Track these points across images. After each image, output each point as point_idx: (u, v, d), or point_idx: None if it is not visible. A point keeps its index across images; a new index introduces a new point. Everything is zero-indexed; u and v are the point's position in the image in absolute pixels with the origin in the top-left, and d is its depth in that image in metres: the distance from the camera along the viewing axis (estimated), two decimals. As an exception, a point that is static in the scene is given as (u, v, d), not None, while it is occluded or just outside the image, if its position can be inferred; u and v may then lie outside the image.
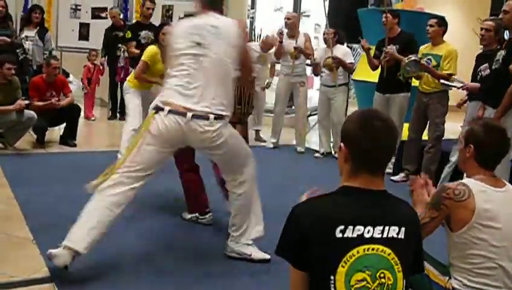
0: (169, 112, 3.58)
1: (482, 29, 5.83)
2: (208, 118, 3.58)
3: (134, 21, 10.21)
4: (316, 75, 8.31)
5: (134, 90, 6.46)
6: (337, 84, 7.76)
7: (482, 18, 6.30)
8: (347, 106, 8.20)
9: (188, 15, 9.89)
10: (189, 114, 3.56)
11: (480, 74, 5.84)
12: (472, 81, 6.00)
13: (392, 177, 6.81)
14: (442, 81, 6.21)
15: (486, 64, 5.72)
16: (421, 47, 6.67)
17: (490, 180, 2.67)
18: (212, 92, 3.62)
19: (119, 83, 9.70)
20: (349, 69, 7.81)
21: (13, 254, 3.89)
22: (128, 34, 8.31)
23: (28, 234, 4.24)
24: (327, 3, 10.96)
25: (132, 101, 6.45)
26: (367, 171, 2.03)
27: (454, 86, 6.15)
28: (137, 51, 8.00)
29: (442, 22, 6.52)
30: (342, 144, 2.09)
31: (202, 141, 3.67)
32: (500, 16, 5.20)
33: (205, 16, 3.81)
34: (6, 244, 4.05)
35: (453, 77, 6.21)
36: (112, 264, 3.83)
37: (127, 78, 6.78)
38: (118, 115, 10.02)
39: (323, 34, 7.94)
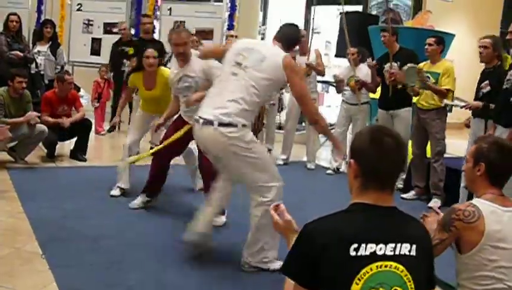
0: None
1: (479, 47, 5.85)
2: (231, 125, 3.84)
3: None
4: (339, 92, 8.28)
5: (143, 112, 6.22)
6: (360, 102, 7.73)
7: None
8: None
9: (199, 31, 10.02)
10: (216, 122, 3.83)
11: (481, 91, 5.84)
12: (475, 97, 6.00)
13: (403, 195, 6.78)
14: (445, 101, 6.27)
15: (487, 82, 5.75)
16: (419, 65, 6.69)
17: (499, 199, 2.66)
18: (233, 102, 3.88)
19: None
20: (371, 89, 7.76)
21: (22, 269, 3.88)
22: (131, 50, 8.15)
23: (37, 249, 4.24)
24: (338, 20, 11.06)
25: (137, 120, 6.31)
26: (377, 187, 2.05)
27: (457, 105, 6.17)
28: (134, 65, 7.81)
29: (440, 40, 6.59)
30: (352, 160, 2.11)
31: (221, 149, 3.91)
32: (508, 37, 5.21)
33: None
34: (15, 259, 4.05)
35: (455, 96, 6.23)
36: (126, 269, 3.83)
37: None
38: (119, 127, 10.06)
39: (347, 54, 7.90)
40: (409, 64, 6.48)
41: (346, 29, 7.41)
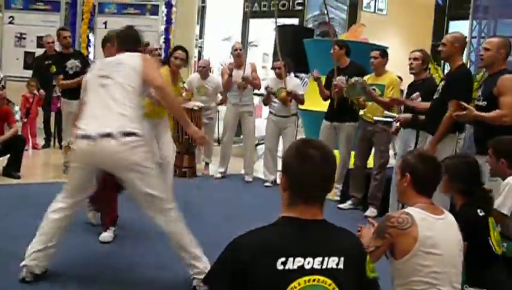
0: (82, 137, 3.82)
1: (409, 59, 6.03)
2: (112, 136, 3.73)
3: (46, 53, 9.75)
4: (266, 104, 8.29)
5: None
6: (290, 114, 7.81)
7: (423, 48, 6.47)
8: (296, 135, 8.24)
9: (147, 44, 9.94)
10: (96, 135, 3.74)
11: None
12: (405, 108, 6.16)
13: (340, 205, 6.86)
14: (375, 118, 6.38)
15: (418, 93, 5.96)
16: (364, 78, 6.79)
17: (430, 208, 2.75)
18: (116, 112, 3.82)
19: (54, 112, 9.69)
20: (301, 101, 7.82)
21: None
22: (53, 69, 7.83)
23: (-35, 271, 4.08)
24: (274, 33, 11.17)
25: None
26: (304, 200, 2.07)
27: (388, 120, 6.28)
28: (68, 82, 7.64)
29: (384, 53, 6.69)
30: (282, 173, 2.14)
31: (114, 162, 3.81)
32: (440, 48, 5.37)
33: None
34: None
35: (385, 111, 6.33)
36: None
37: None
38: (54, 143, 9.92)
39: (273, 67, 7.94)
40: (354, 78, 6.49)
41: (277, 43, 7.49)
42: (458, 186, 3.40)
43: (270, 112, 8.11)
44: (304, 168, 2.05)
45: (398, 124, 6.21)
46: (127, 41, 4.31)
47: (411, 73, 6.08)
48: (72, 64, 7.69)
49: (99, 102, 3.88)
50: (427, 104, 5.61)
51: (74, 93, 7.71)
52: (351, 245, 2.12)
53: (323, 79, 7.26)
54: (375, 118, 6.38)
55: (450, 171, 3.38)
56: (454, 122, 5.01)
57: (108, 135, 3.69)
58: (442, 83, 5.37)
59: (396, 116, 6.18)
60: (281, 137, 8.10)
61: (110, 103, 3.82)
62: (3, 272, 4.09)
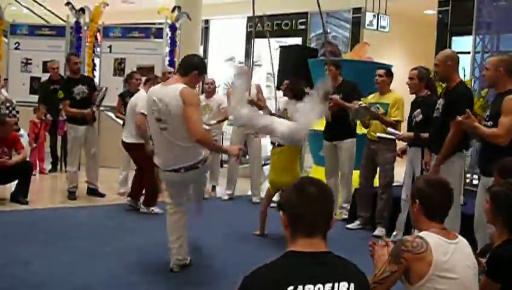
0: None
1: (408, 78, 6.06)
2: None
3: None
4: None
5: None
6: None
7: (423, 65, 6.48)
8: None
9: (140, 68, 10.00)
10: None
11: (414, 119, 6.03)
12: (408, 126, 6.17)
13: (348, 225, 6.84)
14: (378, 134, 6.39)
15: (419, 110, 5.96)
16: (368, 97, 6.86)
17: (442, 232, 2.75)
18: None
19: (61, 136, 9.68)
20: None
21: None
22: (60, 94, 7.80)
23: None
24: (278, 53, 11.21)
25: None
26: (304, 235, 2.10)
27: (391, 137, 6.27)
28: (74, 111, 7.69)
29: (389, 72, 6.73)
30: (281, 212, 2.18)
31: None
32: (434, 70, 5.37)
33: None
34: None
35: (388, 129, 6.32)
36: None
37: None
38: (61, 168, 9.90)
39: (282, 88, 7.99)
40: (359, 104, 6.49)
41: (272, 60, 7.52)
42: (503, 219, 3.07)
43: None
44: (303, 203, 2.11)
45: (404, 144, 6.24)
46: None
47: (410, 92, 6.10)
48: (79, 90, 7.68)
49: (163, 144, 4.74)
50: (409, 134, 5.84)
51: (80, 118, 7.74)
52: (358, 274, 2.14)
53: None
54: (378, 134, 6.39)
55: (496, 199, 3.13)
56: (459, 141, 5.00)
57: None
58: (440, 101, 5.34)
59: (400, 133, 6.18)
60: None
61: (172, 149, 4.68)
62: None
